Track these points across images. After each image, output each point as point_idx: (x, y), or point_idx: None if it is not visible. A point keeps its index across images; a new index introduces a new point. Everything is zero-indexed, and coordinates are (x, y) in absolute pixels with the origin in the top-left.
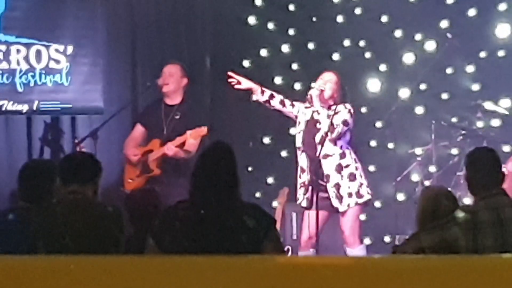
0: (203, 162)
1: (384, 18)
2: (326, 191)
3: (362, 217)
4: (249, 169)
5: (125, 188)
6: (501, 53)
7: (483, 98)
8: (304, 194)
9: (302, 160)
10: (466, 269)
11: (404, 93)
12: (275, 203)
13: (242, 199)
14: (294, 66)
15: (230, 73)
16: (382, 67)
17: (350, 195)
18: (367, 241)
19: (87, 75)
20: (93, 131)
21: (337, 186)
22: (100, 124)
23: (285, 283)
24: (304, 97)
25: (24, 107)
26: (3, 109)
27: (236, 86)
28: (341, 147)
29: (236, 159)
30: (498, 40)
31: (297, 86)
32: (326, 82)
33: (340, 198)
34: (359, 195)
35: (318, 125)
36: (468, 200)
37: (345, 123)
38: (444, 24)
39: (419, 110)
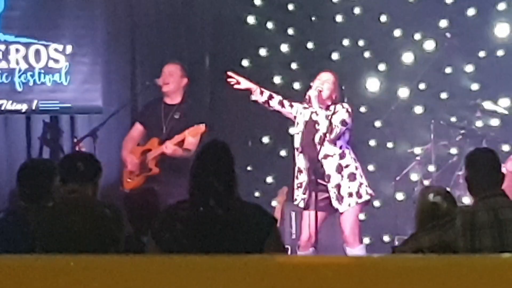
0: (201, 162)
1: (383, 18)
2: (326, 191)
3: (362, 216)
4: (248, 168)
5: (124, 187)
6: (500, 53)
7: (482, 98)
8: (304, 193)
9: (300, 160)
10: (465, 268)
11: (403, 92)
12: (274, 203)
13: (242, 198)
14: (294, 66)
15: (229, 73)
16: (381, 67)
17: (350, 195)
18: (366, 240)
19: (86, 75)
20: (93, 130)
21: (338, 186)
22: (100, 124)
23: (285, 282)
24: (303, 97)
25: (23, 107)
26: (2, 108)
27: (236, 86)
28: (340, 147)
29: (233, 157)
30: (498, 39)
31: (296, 85)
32: (324, 82)
33: (340, 198)
34: (359, 195)
35: (317, 126)
36: (467, 200)
37: (343, 123)
38: (443, 23)
39: (418, 109)
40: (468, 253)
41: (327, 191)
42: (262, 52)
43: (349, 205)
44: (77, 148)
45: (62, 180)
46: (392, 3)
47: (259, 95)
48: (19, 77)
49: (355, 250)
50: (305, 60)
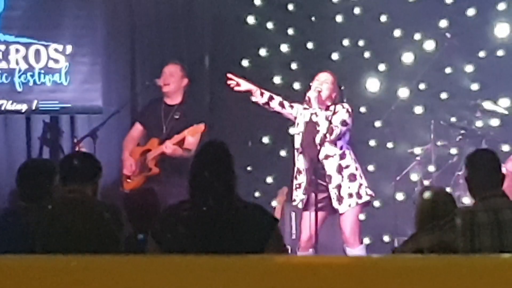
0: (200, 162)
1: (383, 18)
2: (326, 192)
3: (362, 216)
4: (248, 168)
5: (123, 187)
6: (500, 53)
7: (482, 98)
8: (303, 194)
9: (300, 161)
10: (465, 268)
11: (403, 92)
12: (274, 203)
13: (242, 198)
14: (293, 66)
15: (229, 75)
16: (381, 67)
17: (350, 195)
18: (366, 240)
19: (86, 75)
20: (92, 130)
21: (338, 187)
22: (99, 124)
23: (285, 282)
24: (303, 97)
25: (23, 107)
26: (2, 108)
27: (236, 88)
28: (341, 148)
29: (232, 156)
30: (497, 39)
31: (296, 85)
32: (323, 82)
33: (340, 199)
34: (359, 195)
35: (317, 127)
36: (467, 200)
37: (343, 123)
38: (443, 23)
39: (418, 109)
40: (468, 254)
41: (327, 192)
42: (262, 52)
43: (349, 205)
44: (77, 148)
45: (62, 180)
46: (392, 3)
47: (259, 97)
48: (19, 77)
49: (355, 250)
50: (305, 60)
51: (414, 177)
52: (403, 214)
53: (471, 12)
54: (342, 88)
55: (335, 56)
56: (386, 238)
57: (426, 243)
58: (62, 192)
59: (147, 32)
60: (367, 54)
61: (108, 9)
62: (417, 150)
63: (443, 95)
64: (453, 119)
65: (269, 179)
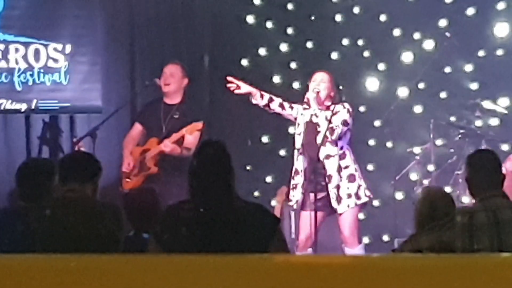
0: (199, 162)
1: (382, 17)
2: (325, 192)
3: (361, 216)
4: (248, 168)
5: (123, 187)
6: (499, 52)
7: (481, 97)
8: (299, 195)
9: (299, 162)
10: (464, 268)
11: (402, 92)
12: (273, 202)
13: (242, 198)
14: (293, 65)
15: (229, 78)
16: (381, 66)
17: (349, 196)
18: (365, 240)
19: (85, 74)
20: (92, 130)
21: (337, 187)
22: (99, 123)
23: (285, 282)
24: (302, 97)
25: (23, 106)
26: (2, 108)
27: (236, 91)
28: (341, 148)
29: (230, 155)
30: (497, 39)
31: (296, 85)
32: (320, 83)
33: (339, 199)
34: (357, 196)
35: (318, 128)
36: (466, 200)
37: (344, 123)
38: (442, 23)
39: (418, 109)
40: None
41: (327, 192)
42: (262, 51)
43: (348, 206)
44: (76, 148)
45: (62, 180)
46: (392, 3)
47: (259, 99)
48: (19, 76)
49: (354, 250)
50: (305, 59)
51: (414, 176)
52: (402, 214)
53: (470, 11)
54: (340, 87)
55: (334, 55)
56: (385, 238)
57: (425, 243)
58: (62, 192)
59: (147, 32)
60: (366, 54)
61: (107, 8)
62: (417, 150)
63: (443, 95)
64: (452, 119)
65: (269, 179)
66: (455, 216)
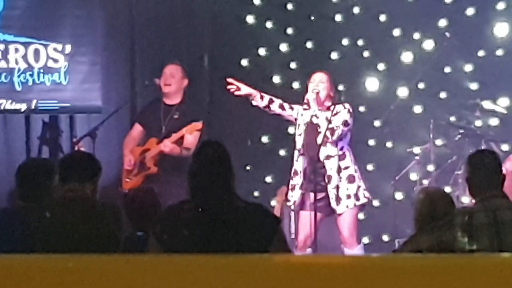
0: (199, 163)
1: (382, 17)
2: (324, 192)
3: (361, 216)
4: (248, 168)
5: (123, 187)
6: (499, 52)
7: (481, 97)
8: (297, 195)
9: (299, 163)
10: (464, 268)
11: (402, 92)
12: (273, 202)
13: (243, 198)
14: (293, 65)
15: (229, 80)
16: (381, 66)
17: (348, 196)
18: (365, 240)
19: (85, 74)
20: (92, 130)
21: (337, 187)
22: (99, 123)
23: (285, 282)
24: (302, 97)
25: (23, 106)
26: (2, 108)
27: (236, 93)
28: (341, 149)
29: (229, 154)
30: (497, 39)
31: (296, 85)
32: (319, 83)
33: (338, 199)
34: (356, 197)
35: (318, 129)
36: (466, 200)
37: (345, 123)
38: (442, 23)
39: (418, 109)
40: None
41: (326, 192)
42: (262, 51)
43: (347, 206)
44: (76, 148)
45: (61, 180)
46: (391, 3)
47: (259, 100)
48: (18, 76)
49: (353, 251)
50: (304, 59)
51: (414, 176)
52: (402, 214)
53: (470, 11)
54: (340, 88)
55: (334, 55)
56: (385, 238)
57: (425, 243)
58: (62, 192)
59: (147, 32)
60: (366, 54)
61: (107, 8)
62: (416, 150)
63: (443, 95)
64: (452, 119)
65: (268, 179)
66: (454, 216)
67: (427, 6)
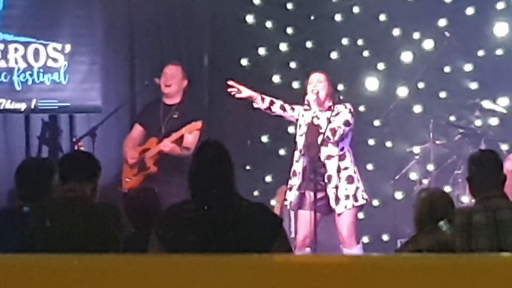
0: (199, 163)
1: (382, 17)
2: (324, 192)
3: (360, 215)
4: (247, 167)
5: (122, 187)
6: (499, 52)
7: (481, 97)
8: (295, 195)
9: (299, 163)
10: (464, 268)
11: (402, 91)
12: (273, 202)
13: (244, 198)
14: (292, 65)
15: (230, 82)
16: (380, 66)
17: (347, 197)
18: (365, 239)
19: (85, 74)
20: (92, 129)
21: (336, 187)
22: (98, 123)
23: (285, 281)
24: (302, 96)
25: (22, 106)
26: (1, 107)
27: (237, 95)
28: (342, 149)
29: (229, 154)
30: (496, 38)
31: (295, 84)
32: (317, 83)
33: (337, 199)
34: (355, 198)
35: (320, 130)
36: (466, 199)
37: (346, 123)
38: (442, 22)
39: (417, 108)
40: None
41: (325, 192)
42: (261, 51)
43: (346, 207)
44: (76, 147)
45: (61, 179)
46: (391, 2)
47: (260, 102)
48: (18, 76)
49: (352, 251)
50: (304, 59)
51: (413, 176)
52: (402, 213)
53: (470, 11)
54: (339, 88)
55: (334, 55)
56: (385, 237)
57: (425, 244)
58: (61, 192)
59: (146, 31)
60: (366, 53)
61: (107, 8)
62: (416, 149)
63: (442, 94)
64: (452, 118)
65: (268, 178)
66: (454, 216)
67: (427, 5)
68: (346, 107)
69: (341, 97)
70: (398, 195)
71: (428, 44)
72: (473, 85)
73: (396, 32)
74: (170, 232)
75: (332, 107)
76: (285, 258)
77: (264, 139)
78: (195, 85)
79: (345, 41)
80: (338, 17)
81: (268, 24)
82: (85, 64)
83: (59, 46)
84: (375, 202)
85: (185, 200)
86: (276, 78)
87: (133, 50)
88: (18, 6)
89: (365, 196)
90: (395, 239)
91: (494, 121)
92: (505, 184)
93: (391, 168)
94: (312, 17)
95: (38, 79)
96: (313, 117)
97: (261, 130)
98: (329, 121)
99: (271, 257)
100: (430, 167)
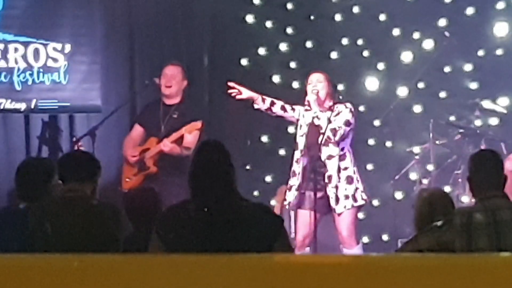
0: (199, 164)
1: (382, 17)
2: (323, 192)
3: (360, 215)
4: (247, 167)
5: (122, 187)
6: (499, 52)
7: (481, 97)
8: (294, 196)
9: (299, 164)
10: (464, 268)
11: (402, 91)
12: (273, 202)
13: (245, 198)
14: (292, 65)
15: (230, 84)
16: (380, 66)
17: (346, 197)
18: (365, 239)
19: (85, 74)
20: (91, 129)
21: (336, 187)
22: (98, 123)
23: (286, 281)
24: (302, 96)
25: (22, 106)
26: (1, 107)
27: (238, 97)
28: (342, 149)
29: (229, 154)
30: (496, 38)
31: (295, 84)
32: (316, 83)
33: (337, 199)
34: (354, 198)
35: (320, 130)
36: (466, 199)
37: (347, 123)
38: (442, 22)
39: (417, 108)
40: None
41: (325, 192)
42: (261, 51)
43: (345, 207)
44: (76, 147)
45: (61, 179)
46: (391, 2)
47: (261, 103)
48: (18, 76)
49: (352, 251)
50: (304, 59)
51: (413, 176)
52: (402, 213)
53: (470, 11)
54: (339, 88)
55: (334, 55)
56: (385, 237)
57: (425, 244)
58: (61, 191)
59: (146, 31)
60: (366, 53)
61: (107, 8)
62: (416, 149)
63: (442, 94)
64: (452, 118)
65: (268, 178)
66: (454, 216)
67: (427, 5)
68: (346, 107)
69: (340, 97)
70: (398, 195)
71: (428, 44)
72: (473, 85)
73: (396, 32)
74: (171, 233)
75: (332, 107)
76: (285, 258)
77: (264, 139)
78: (195, 85)
79: (345, 41)
80: (338, 17)
81: (268, 24)
82: (85, 64)
83: (59, 46)
84: (375, 202)
85: (186, 200)
86: (276, 78)
87: (133, 50)
88: (18, 6)
89: (364, 197)
90: (395, 239)
91: (494, 121)
92: (506, 185)
93: (391, 168)
94: (312, 17)
95: (38, 79)
96: (313, 118)
97: (261, 130)
98: (329, 121)
99: (271, 257)
100: (430, 167)
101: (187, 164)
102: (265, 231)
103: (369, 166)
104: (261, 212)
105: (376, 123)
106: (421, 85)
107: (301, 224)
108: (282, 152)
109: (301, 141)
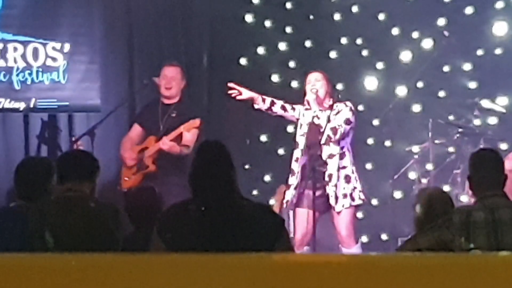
0: (200, 164)
1: (381, 16)
2: (323, 191)
3: (359, 215)
4: (246, 167)
5: (122, 186)
6: (498, 51)
7: (480, 96)
8: (292, 195)
9: (298, 163)
10: (463, 267)
11: (401, 91)
12: (272, 201)
13: (246, 198)
14: (291, 64)
15: (230, 84)
16: (379, 65)
17: (345, 196)
18: (364, 239)
19: (84, 73)
20: (90, 128)
21: (335, 186)
22: (97, 122)
23: (285, 281)
24: (301, 95)
25: (21, 105)
26: (0, 107)
27: (238, 97)
28: (342, 148)
29: (230, 153)
30: (495, 38)
31: (294, 84)
32: (315, 82)
33: (336, 198)
34: (352, 197)
35: (321, 129)
36: (465, 198)
37: (347, 122)
38: (441, 22)
39: (416, 108)
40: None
41: (324, 190)
42: (260, 50)
43: (343, 206)
44: (75, 147)
45: (60, 179)
46: (390, 2)
47: (261, 103)
48: (17, 75)
49: (351, 250)
50: (303, 58)
51: (412, 175)
52: (401, 212)
53: (469, 10)
54: (339, 87)
55: (333, 54)
56: (384, 237)
57: (423, 243)
58: (60, 191)
59: (145, 30)
60: (365, 53)
61: (106, 7)
62: (415, 148)
63: (441, 94)
64: (451, 118)
65: (267, 178)
66: (453, 215)
67: (426, 5)
68: (346, 106)
69: (339, 96)
70: (397, 194)
71: (427, 44)
72: (472, 85)
73: (395, 31)
74: (171, 232)
75: (332, 106)
76: (285, 258)
77: (263, 138)
78: (194, 84)
79: (344, 40)
80: (337, 17)
81: (267, 23)
82: (84, 63)
83: (58, 45)
84: (374, 202)
85: (187, 200)
86: (275, 78)
87: (132, 49)
88: (17, 6)
89: (362, 197)
90: (394, 238)
91: (493, 120)
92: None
93: (390, 168)
94: (311, 17)
95: (37, 78)
96: (313, 117)
97: (260, 129)
98: (329, 120)
99: (271, 257)
100: (429, 166)
101: (186, 163)
102: (266, 231)
103: (368, 166)
104: (262, 212)
105: (375, 122)
106: (420, 84)
107: (300, 223)
108: (281, 151)
109: (301, 141)
